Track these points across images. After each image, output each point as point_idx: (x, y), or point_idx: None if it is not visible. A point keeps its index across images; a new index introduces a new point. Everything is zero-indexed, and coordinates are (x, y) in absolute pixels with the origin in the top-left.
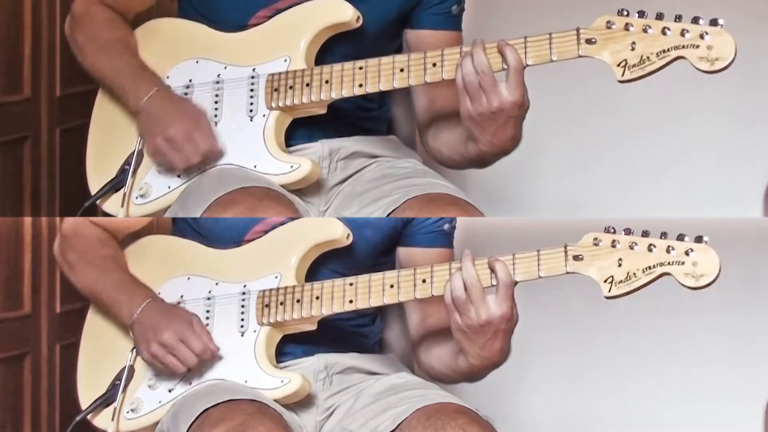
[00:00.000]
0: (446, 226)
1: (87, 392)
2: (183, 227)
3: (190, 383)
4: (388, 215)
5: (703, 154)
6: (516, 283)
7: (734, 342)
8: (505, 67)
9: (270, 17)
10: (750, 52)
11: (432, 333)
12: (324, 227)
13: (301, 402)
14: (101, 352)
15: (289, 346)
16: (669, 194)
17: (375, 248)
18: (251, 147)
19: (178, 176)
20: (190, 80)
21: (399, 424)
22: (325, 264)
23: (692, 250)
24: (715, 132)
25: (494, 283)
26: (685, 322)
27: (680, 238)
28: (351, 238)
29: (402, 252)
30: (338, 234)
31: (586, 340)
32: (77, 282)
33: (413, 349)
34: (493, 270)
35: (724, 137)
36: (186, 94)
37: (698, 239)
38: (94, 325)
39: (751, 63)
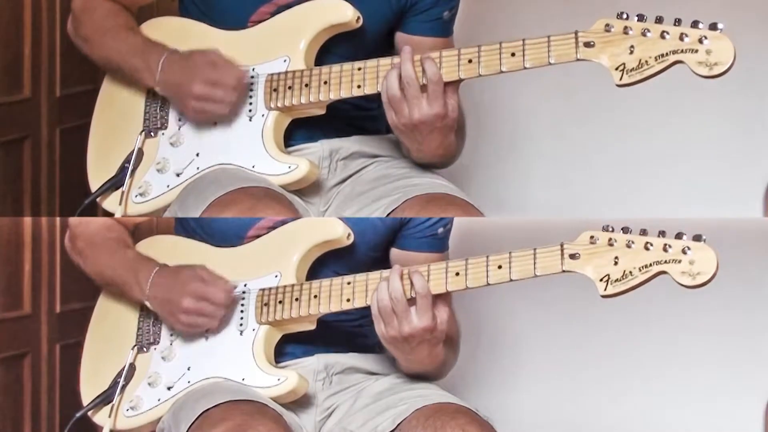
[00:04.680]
0: (440, 230)
1: (89, 389)
2: (186, 225)
3: (189, 381)
4: (388, 215)
5: (703, 154)
6: (443, 292)
7: (734, 342)
8: (425, 80)
9: (271, 13)
10: (751, 52)
11: None
12: (325, 227)
13: (301, 402)
14: (105, 349)
15: (289, 347)
16: (668, 194)
17: (375, 248)
18: (250, 147)
19: (177, 175)
20: None
21: (398, 424)
22: (326, 264)
23: (689, 249)
24: (715, 132)
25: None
26: (684, 322)
27: (678, 236)
28: (352, 239)
29: (395, 254)
30: (339, 234)
31: (585, 340)
32: (87, 268)
33: None
34: (411, 282)
35: (724, 137)
36: None
37: (696, 237)
38: (98, 322)
39: (752, 63)
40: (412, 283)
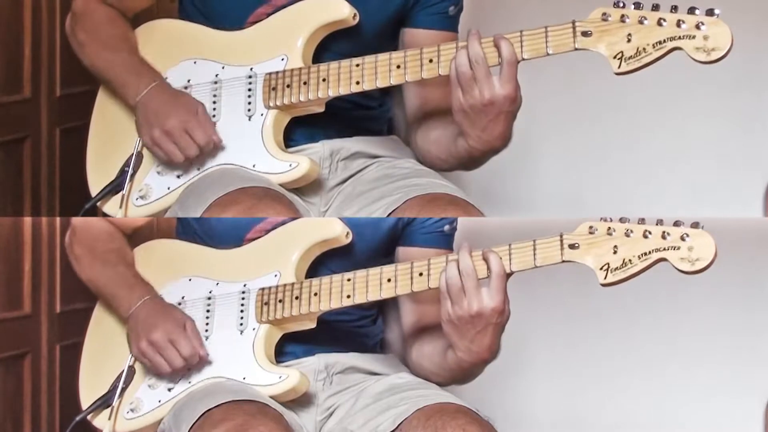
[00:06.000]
0: (446, 228)
1: (89, 392)
2: (186, 227)
3: (190, 382)
4: (389, 215)
5: (703, 154)
6: (510, 274)
7: (734, 342)
8: (500, 60)
9: (269, 14)
10: (750, 52)
11: (426, 332)
12: (324, 226)
13: (302, 402)
14: (104, 352)
15: (290, 346)
16: (669, 194)
17: (375, 248)
18: (250, 146)
19: (178, 177)
20: (189, 81)
21: (399, 424)
22: (326, 264)
23: (688, 235)
24: (715, 132)
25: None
26: (685, 322)
27: (677, 224)
28: (351, 237)
29: (401, 252)
30: (338, 233)
31: (587, 340)
32: (81, 274)
33: (405, 349)
34: (486, 261)
35: (724, 138)
36: None
37: (694, 225)
38: (98, 325)
39: (752, 63)
40: (487, 263)
